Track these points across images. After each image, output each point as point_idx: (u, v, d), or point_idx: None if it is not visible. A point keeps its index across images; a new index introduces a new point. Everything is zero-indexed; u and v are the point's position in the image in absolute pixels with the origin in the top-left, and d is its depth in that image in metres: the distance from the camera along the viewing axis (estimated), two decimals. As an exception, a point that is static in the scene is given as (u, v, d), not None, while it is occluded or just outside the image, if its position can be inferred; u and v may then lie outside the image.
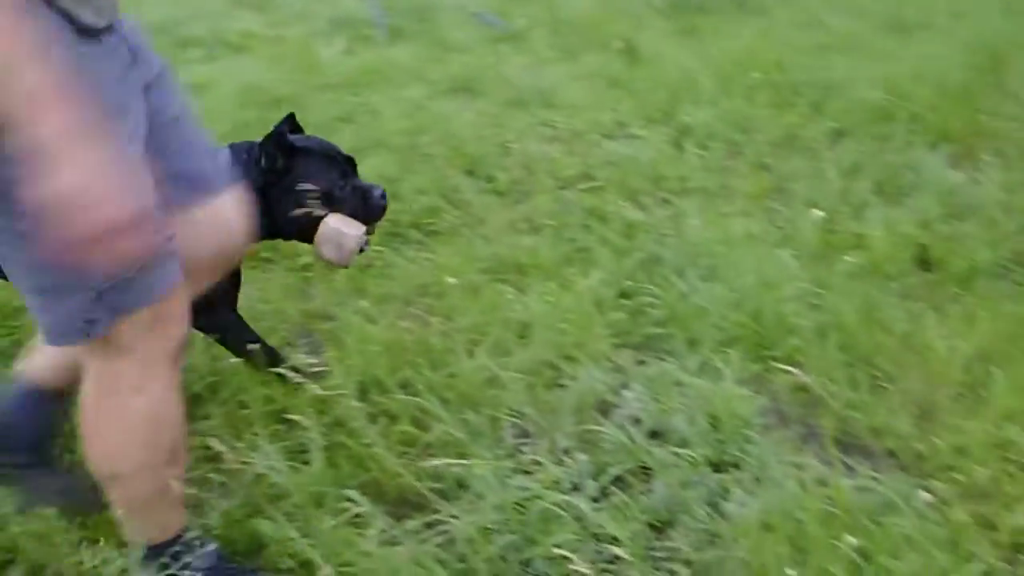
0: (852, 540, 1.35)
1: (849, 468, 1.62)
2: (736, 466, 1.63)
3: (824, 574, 1.32)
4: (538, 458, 1.64)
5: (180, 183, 1.28)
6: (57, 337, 1.19)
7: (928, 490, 1.54)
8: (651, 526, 1.53)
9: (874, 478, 1.56)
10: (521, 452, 1.70)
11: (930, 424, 1.73)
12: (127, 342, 1.19)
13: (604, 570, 1.43)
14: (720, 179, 2.84)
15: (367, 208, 1.85)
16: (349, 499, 1.53)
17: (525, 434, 1.76)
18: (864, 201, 2.69)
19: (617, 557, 1.42)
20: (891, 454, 1.70)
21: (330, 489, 1.57)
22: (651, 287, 2.31)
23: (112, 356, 1.21)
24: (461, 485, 1.60)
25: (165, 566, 1.36)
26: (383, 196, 1.87)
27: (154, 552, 1.37)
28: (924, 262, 2.45)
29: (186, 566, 1.35)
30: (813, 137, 2.98)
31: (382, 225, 2.50)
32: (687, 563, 1.45)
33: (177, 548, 1.38)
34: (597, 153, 2.99)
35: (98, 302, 1.13)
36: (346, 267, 1.85)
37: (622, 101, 3.30)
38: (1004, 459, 1.60)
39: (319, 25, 4.13)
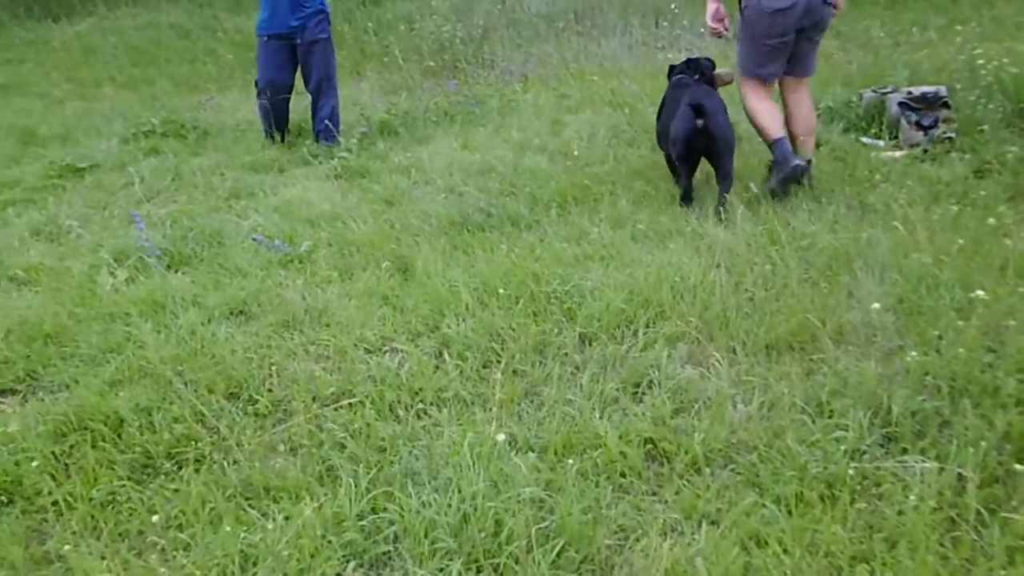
0: None
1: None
2: None
3: None
4: None
5: None
6: None
7: None
8: None
9: None
10: None
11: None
12: None
13: None
14: (475, 388, 2.97)
15: None
16: None
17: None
18: (610, 400, 2.86)
19: None
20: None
21: None
22: (391, 504, 2.38)
23: None
24: None
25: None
26: None
27: None
28: (654, 456, 2.60)
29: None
30: (564, 343, 3.18)
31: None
32: None
33: None
34: (360, 369, 3.11)
35: None
36: None
37: (389, 317, 3.46)
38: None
39: (106, 256, 4.17)
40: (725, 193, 4.38)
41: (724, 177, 4.45)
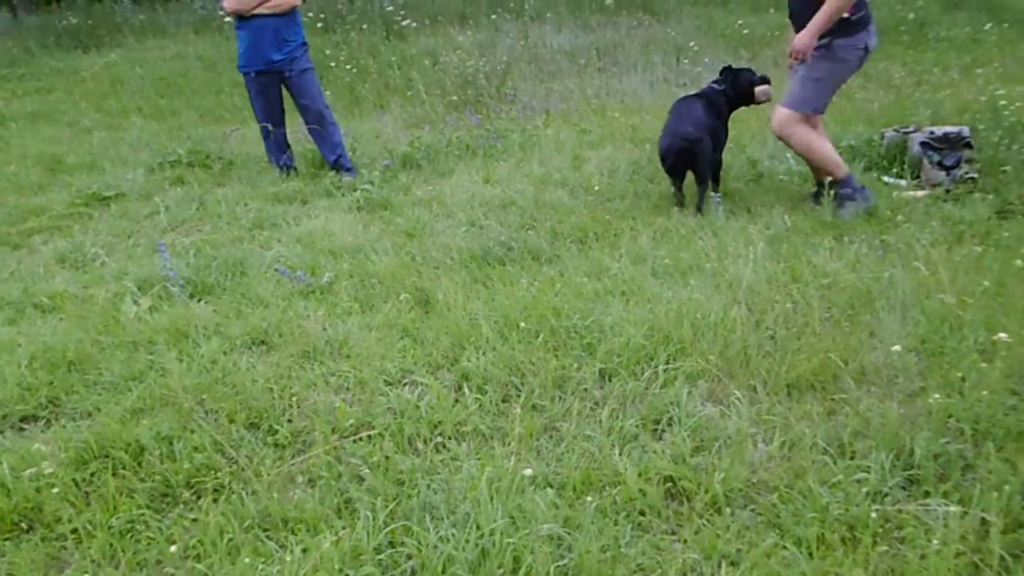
0: None
1: None
2: None
3: None
4: None
5: None
6: None
7: None
8: None
9: None
10: None
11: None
12: None
13: None
14: (495, 422, 2.97)
15: None
16: None
17: None
18: (629, 437, 2.85)
19: None
20: None
21: None
22: (408, 538, 2.37)
23: None
24: None
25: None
26: None
27: None
28: (674, 495, 2.59)
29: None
30: (584, 378, 3.17)
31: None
32: None
33: None
34: (380, 401, 3.12)
35: None
36: None
37: (410, 349, 3.47)
38: None
39: (130, 284, 4.22)
40: (701, 198, 4.95)
41: (699, 183, 4.98)
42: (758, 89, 5.09)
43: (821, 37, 4.56)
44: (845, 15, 4.51)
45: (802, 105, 4.76)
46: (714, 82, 5.21)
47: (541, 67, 9.74)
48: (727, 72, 5.15)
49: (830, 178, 4.80)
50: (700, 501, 2.55)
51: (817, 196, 4.93)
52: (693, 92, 5.40)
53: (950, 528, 2.32)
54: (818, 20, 4.45)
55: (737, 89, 5.10)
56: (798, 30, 4.62)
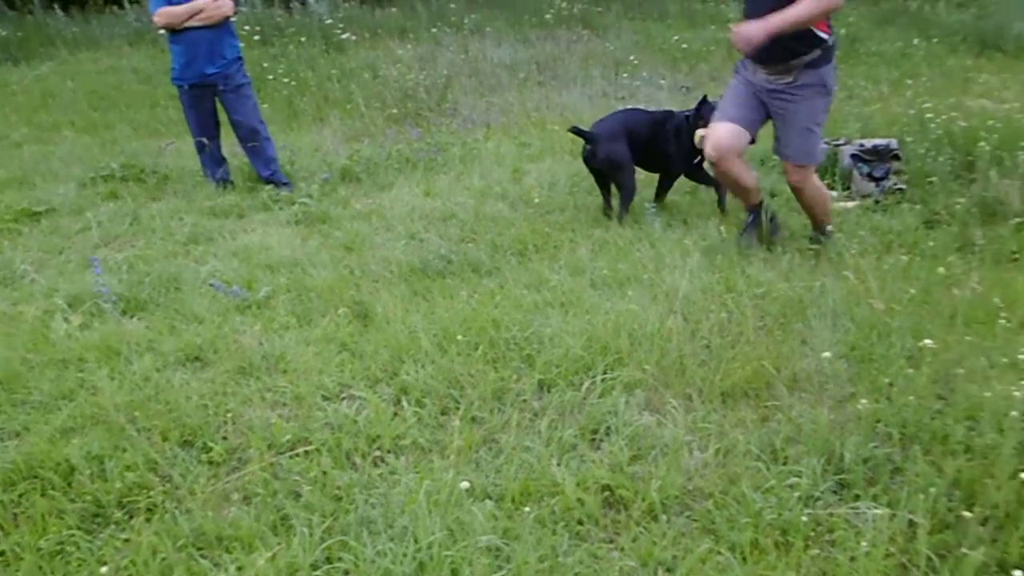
0: None
1: None
2: None
3: None
4: None
5: None
6: None
7: None
8: None
9: None
10: None
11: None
12: None
13: None
14: (433, 435, 2.98)
15: None
16: None
17: None
18: (567, 447, 2.87)
19: None
20: None
21: None
22: (345, 554, 2.36)
23: None
24: None
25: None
26: None
27: None
28: (612, 503, 2.62)
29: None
30: (523, 389, 3.19)
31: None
32: None
33: None
34: (317, 416, 3.10)
35: None
36: None
37: (348, 363, 3.46)
38: None
39: (60, 301, 4.13)
40: (621, 207, 5.11)
41: (619, 190, 5.16)
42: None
43: (809, 66, 4.12)
44: (824, 36, 4.09)
45: (817, 156, 4.48)
46: (689, 111, 5.17)
47: (481, 81, 9.78)
48: (702, 104, 5.05)
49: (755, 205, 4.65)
50: (637, 509, 2.58)
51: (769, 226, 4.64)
52: (657, 110, 5.48)
53: (879, 530, 2.38)
54: (788, 17, 3.86)
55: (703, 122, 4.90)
56: (764, 51, 4.03)
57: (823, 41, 4.09)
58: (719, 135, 4.35)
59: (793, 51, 4.07)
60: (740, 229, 4.70)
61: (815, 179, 4.49)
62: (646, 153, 5.17)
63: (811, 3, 3.86)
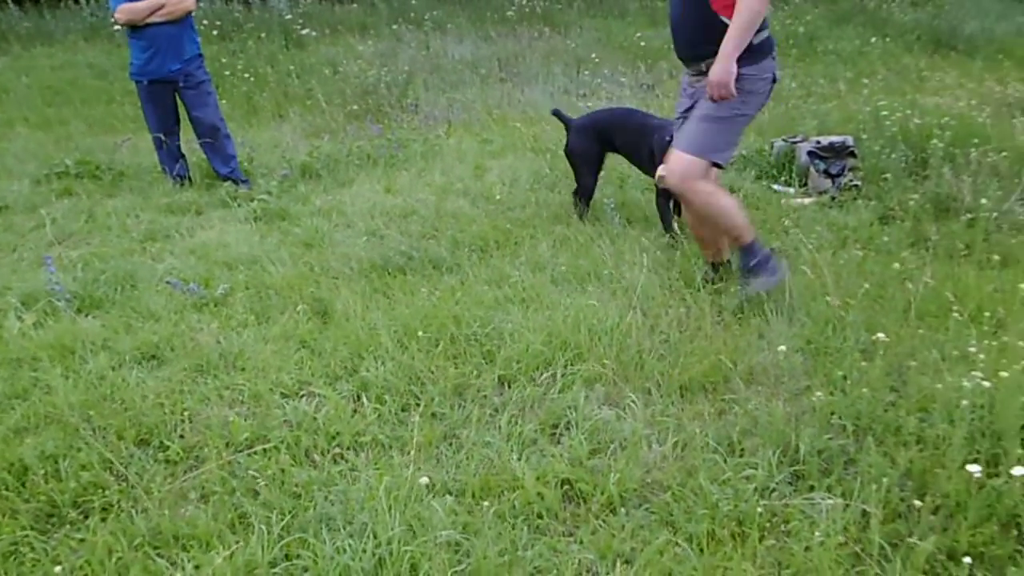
0: None
1: None
2: None
3: None
4: None
5: None
6: None
7: None
8: None
9: None
10: None
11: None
12: None
13: None
14: (394, 431, 2.97)
15: None
16: None
17: None
18: (528, 442, 2.89)
19: None
20: None
21: None
22: (304, 551, 2.36)
23: None
24: None
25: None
26: None
27: None
28: (571, 497, 2.63)
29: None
30: (484, 385, 3.20)
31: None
32: None
33: None
34: (275, 414, 3.08)
35: None
36: None
37: (307, 361, 3.45)
38: None
39: (13, 300, 4.06)
40: (579, 201, 5.14)
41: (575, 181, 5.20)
42: None
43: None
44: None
45: (706, 151, 3.72)
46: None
47: (443, 77, 9.76)
48: None
49: (727, 257, 4.11)
50: (596, 502, 2.60)
51: (716, 269, 4.13)
52: (656, 117, 5.08)
53: (833, 520, 2.43)
54: (731, 39, 3.51)
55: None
56: (681, 48, 3.88)
57: (749, 43, 3.62)
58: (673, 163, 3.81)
59: (710, 51, 3.61)
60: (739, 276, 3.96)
61: (707, 186, 3.78)
62: (631, 156, 5.07)
63: (739, 17, 3.49)
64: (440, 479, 2.71)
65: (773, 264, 3.82)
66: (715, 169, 3.86)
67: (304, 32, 11.26)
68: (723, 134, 3.74)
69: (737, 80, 3.58)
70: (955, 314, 3.44)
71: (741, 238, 3.83)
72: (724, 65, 3.53)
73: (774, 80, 3.76)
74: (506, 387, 3.25)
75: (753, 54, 3.61)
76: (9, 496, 2.66)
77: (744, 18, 3.48)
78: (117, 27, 6.77)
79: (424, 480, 2.61)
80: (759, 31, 3.59)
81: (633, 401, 3.09)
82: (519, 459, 2.80)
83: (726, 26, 3.54)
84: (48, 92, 9.78)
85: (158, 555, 2.42)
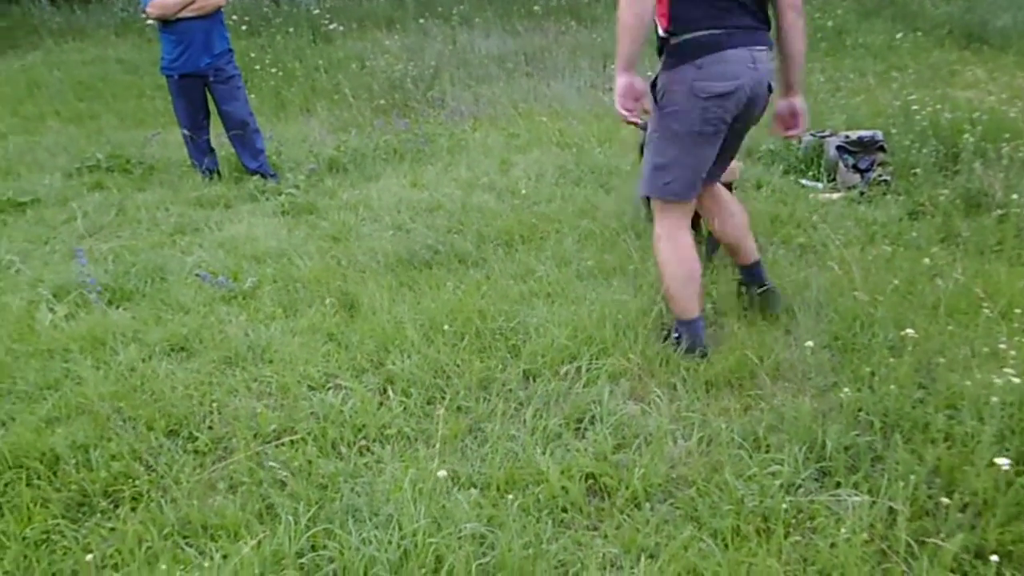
0: None
1: None
2: None
3: None
4: None
5: None
6: None
7: None
8: None
9: None
10: None
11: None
12: None
13: None
14: (419, 424, 2.99)
15: None
16: None
17: None
18: (552, 436, 2.89)
19: None
20: None
21: None
22: (330, 542, 2.37)
23: None
24: None
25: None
26: None
27: None
28: (595, 492, 2.64)
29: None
30: (509, 379, 3.21)
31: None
32: None
33: None
34: (302, 406, 3.10)
35: None
36: None
37: (334, 353, 3.47)
38: None
39: (45, 292, 4.12)
40: None
41: None
42: None
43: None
44: (661, 32, 3.12)
45: (642, 186, 3.37)
46: None
47: (469, 72, 9.77)
48: None
49: (755, 258, 3.67)
50: (621, 497, 2.60)
51: (749, 272, 3.72)
52: None
53: (859, 517, 2.41)
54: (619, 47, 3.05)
55: None
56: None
57: (661, 39, 3.15)
58: None
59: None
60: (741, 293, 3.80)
61: (663, 227, 3.32)
62: None
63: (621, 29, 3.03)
64: (465, 472, 2.73)
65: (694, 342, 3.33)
66: (723, 190, 3.52)
67: (331, 27, 11.31)
68: (650, 158, 3.29)
69: (654, 89, 3.17)
70: (985, 310, 3.41)
71: (671, 307, 3.39)
72: (617, 75, 3.09)
73: (719, 96, 3.04)
74: (531, 381, 3.26)
75: (670, 58, 3.11)
76: (41, 485, 2.70)
77: (617, 26, 3.03)
78: (148, 22, 6.83)
79: (442, 473, 2.61)
80: (682, 32, 3.04)
81: (658, 396, 3.08)
82: (544, 453, 2.80)
83: (663, 37, 3.12)
84: (79, 87, 9.91)
85: (187, 544, 2.45)
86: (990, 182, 4.91)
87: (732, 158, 3.53)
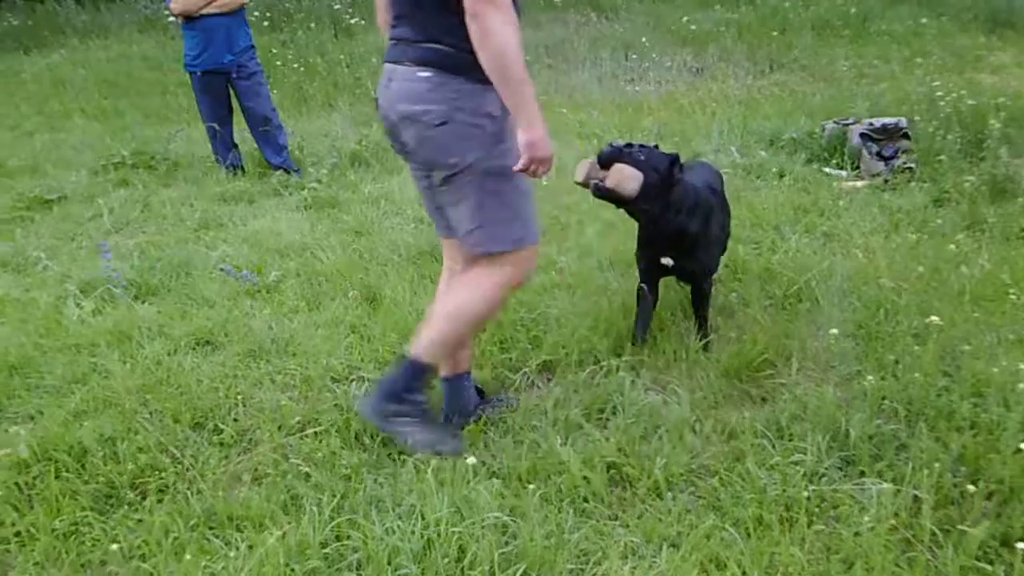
0: None
1: None
2: None
3: None
4: None
5: None
6: None
7: None
8: None
9: None
10: None
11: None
12: None
13: None
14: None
15: None
16: None
17: None
18: (574, 426, 2.89)
19: None
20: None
21: None
22: (354, 532, 2.39)
23: None
24: None
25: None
26: None
27: None
28: (617, 481, 2.63)
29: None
30: (530, 370, 3.20)
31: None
32: None
33: None
34: (326, 398, 3.12)
35: None
36: None
37: (357, 346, 3.48)
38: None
39: (72, 287, 4.17)
40: None
41: None
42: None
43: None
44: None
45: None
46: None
47: (490, 64, 9.74)
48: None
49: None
50: (642, 486, 2.59)
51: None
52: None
53: (883, 505, 2.39)
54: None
55: None
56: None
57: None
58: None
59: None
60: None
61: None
62: None
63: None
64: (487, 462, 2.73)
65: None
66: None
67: (353, 21, 11.34)
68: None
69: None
70: (1011, 297, 3.37)
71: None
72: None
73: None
74: (552, 372, 3.26)
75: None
76: (69, 477, 2.73)
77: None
78: (171, 19, 6.89)
79: (471, 460, 2.62)
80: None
81: (679, 386, 3.07)
82: (565, 443, 2.80)
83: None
84: (104, 84, 10.00)
85: (213, 535, 2.47)
86: (1016, 168, 4.85)
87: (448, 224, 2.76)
